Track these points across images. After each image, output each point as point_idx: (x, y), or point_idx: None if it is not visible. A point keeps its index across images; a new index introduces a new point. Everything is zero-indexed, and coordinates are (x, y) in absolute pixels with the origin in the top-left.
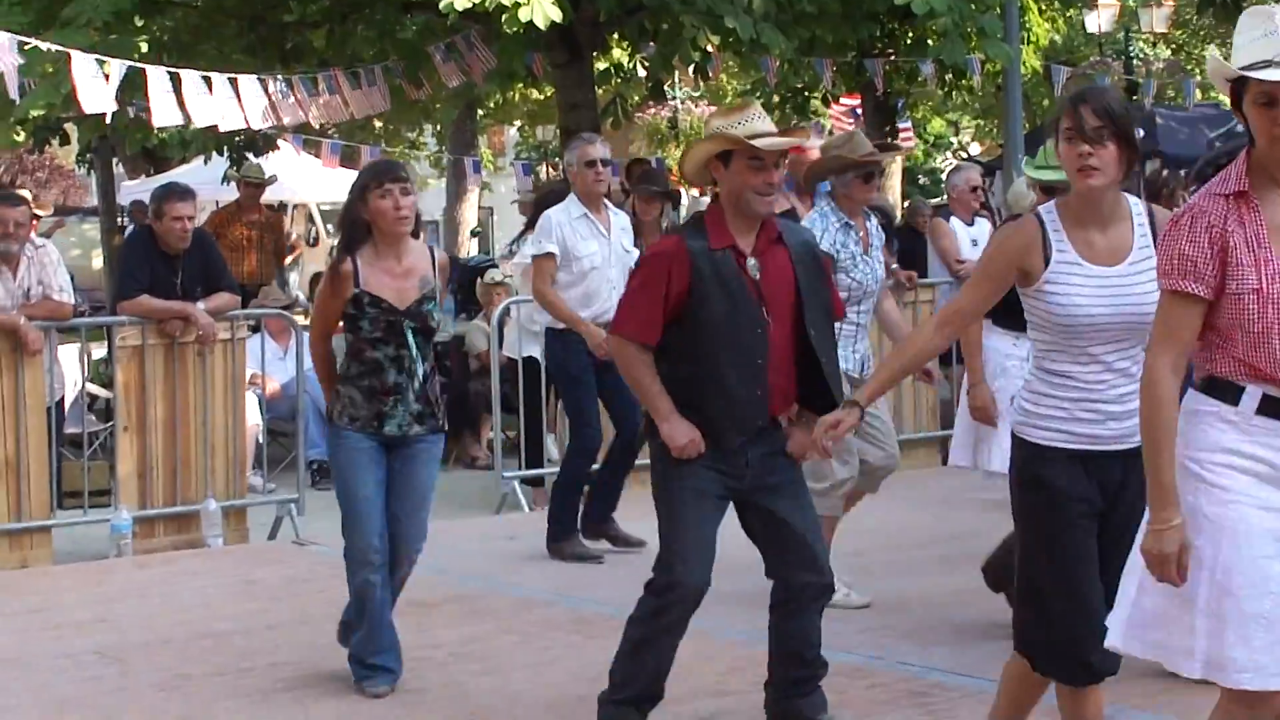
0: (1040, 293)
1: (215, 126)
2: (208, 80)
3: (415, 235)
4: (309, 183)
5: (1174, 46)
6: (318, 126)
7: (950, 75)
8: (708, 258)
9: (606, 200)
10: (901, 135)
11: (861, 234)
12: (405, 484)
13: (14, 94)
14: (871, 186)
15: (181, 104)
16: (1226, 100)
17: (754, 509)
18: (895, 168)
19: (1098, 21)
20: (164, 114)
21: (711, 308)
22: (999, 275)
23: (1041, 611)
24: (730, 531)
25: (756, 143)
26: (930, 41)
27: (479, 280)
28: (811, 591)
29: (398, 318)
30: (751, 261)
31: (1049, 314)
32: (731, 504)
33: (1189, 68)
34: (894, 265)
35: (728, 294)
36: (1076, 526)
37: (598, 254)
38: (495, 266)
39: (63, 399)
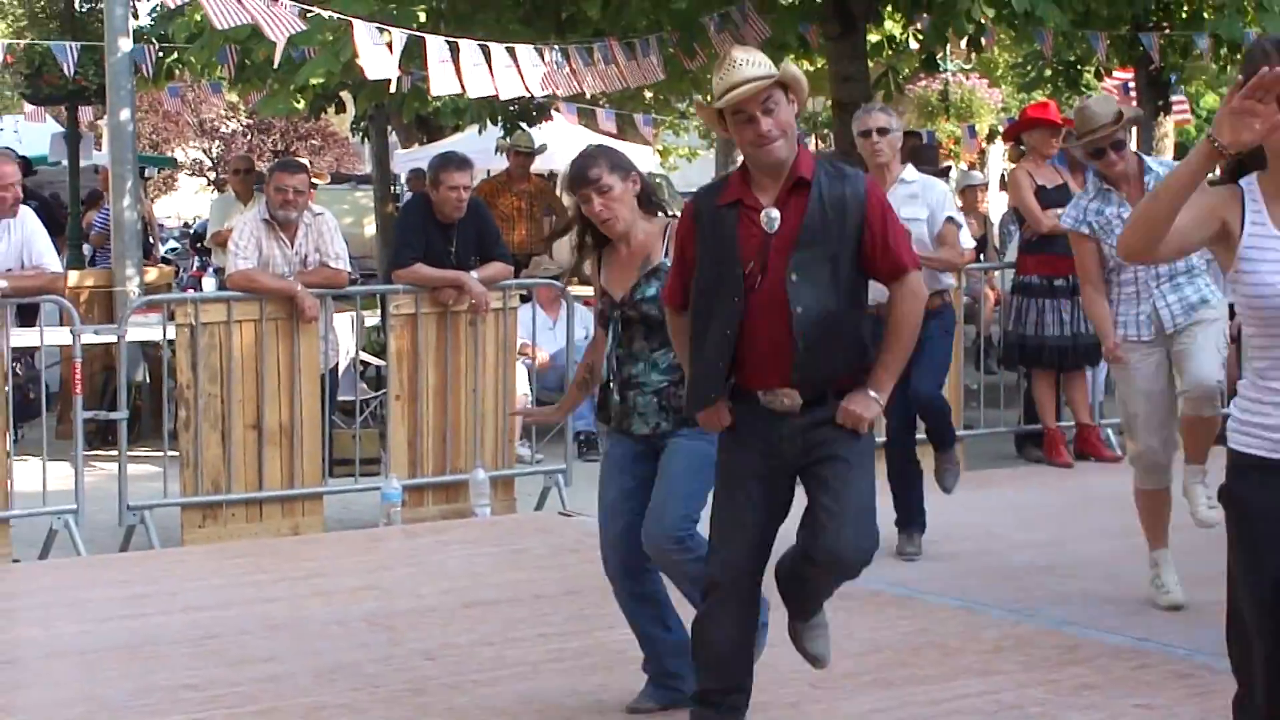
0: (1238, 273)
1: (490, 96)
2: (485, 50)
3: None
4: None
5: None
6: (590, 96)
7: (1225, 50)
8: (711, 216)
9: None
10: (1176, 109)
11: (1128, 194)
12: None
13: (277, 61)
14: (1105, 162)
15: (459, 73)
16: None
17: (806, 481)
18: (1168, 142)
19: None
20: (441, 83)
21: (702, 270)
22: (1196, 203)
23: (1245, 650)
24: None
25: (719, 102)
26: (1206, 15)
27: None
28: (830, 564)
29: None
30: (767, 214)
31: (1244, 298)
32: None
33: None
34: None
35: (715, 256)
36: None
37: None
38: None
39: (336, 366)
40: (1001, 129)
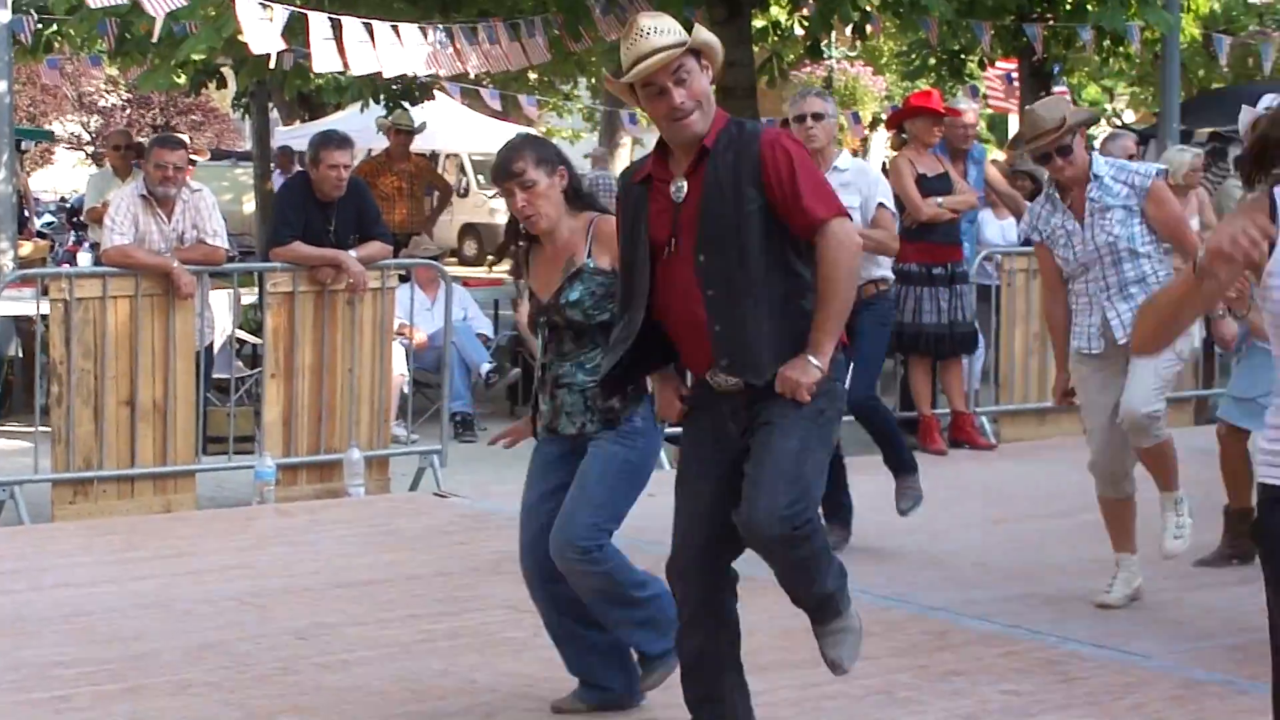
0: (1266, 288)
1: (373, 74)
2: (368, 27)
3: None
4: (461, 133)
5: None
6: (474, 77)
7: (1108, 41)
8: (628, 195)
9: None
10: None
11: (1071, 203)
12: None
13: (156, 35)
14: (1052, 167)
15: (341, 50)
16: None
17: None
18: None
19: None
20: (324, 60)
21: (622, 250)
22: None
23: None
24: None
25: (628, 75)
26: (1090, 7)
27: None
28: (752, 539)
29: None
30: (675, 186)
31: (1271, 314)
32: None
33: None
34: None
35: (629, 234)
36: None
37: None
38: None
39: (211, 344)
40: (885, 117)
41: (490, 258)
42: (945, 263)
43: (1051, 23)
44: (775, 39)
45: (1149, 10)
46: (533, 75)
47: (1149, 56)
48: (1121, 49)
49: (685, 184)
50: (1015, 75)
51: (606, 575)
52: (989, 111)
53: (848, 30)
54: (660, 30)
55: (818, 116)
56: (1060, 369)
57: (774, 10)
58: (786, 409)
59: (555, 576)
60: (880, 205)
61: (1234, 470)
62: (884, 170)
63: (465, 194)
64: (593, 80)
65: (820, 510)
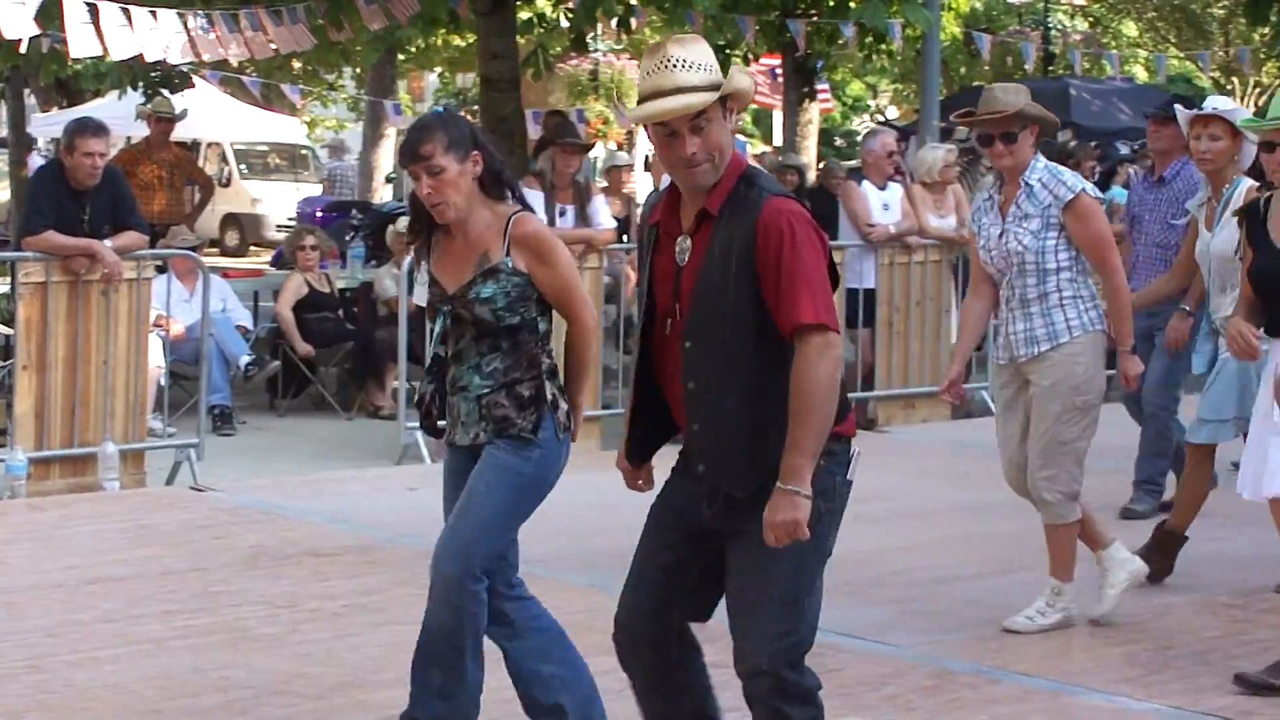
0: None
1: (132, 60)
2: (126, 12)
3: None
4: (224, 122)
5: (1091, 20)
6: (236, 64)
7: (870, 38)
8: (644, 231)
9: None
10: (820, 97)
11: (1001, 204)
12: None
13: None
14: (992, 151)
15: (100, 35)
16: (1141, 75)
17: (725, 552)
18: (813, 128)
19: None
20: (81, 45)
21: (641, 290)
22: None
23: None
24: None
25: (639, 112)
26: (852, 4)
27: (391, 227)
28: (743, 668)
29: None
30: (680, 244)
31: None
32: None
33: (1105, 41)
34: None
35: (642, 281)
36: None
37: None
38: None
39: None
40: None
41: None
42: None
43: (815, 19)
44: (541, 31)
45: (910, 8)
46: (297, 64)
47: (911, 54)
48: (884, 46)
49: (689, 245)
50: (779, 71)
51: (460, 614)
52: (754, 107)
53: (613, 23)
54: (690, 65)
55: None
56: (954, 363)
57: (539, 2)
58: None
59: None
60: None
61: (1195, 495)
62: (646, 165)
63: (227, 184)
64: (357, 70)
65: (807, 638)
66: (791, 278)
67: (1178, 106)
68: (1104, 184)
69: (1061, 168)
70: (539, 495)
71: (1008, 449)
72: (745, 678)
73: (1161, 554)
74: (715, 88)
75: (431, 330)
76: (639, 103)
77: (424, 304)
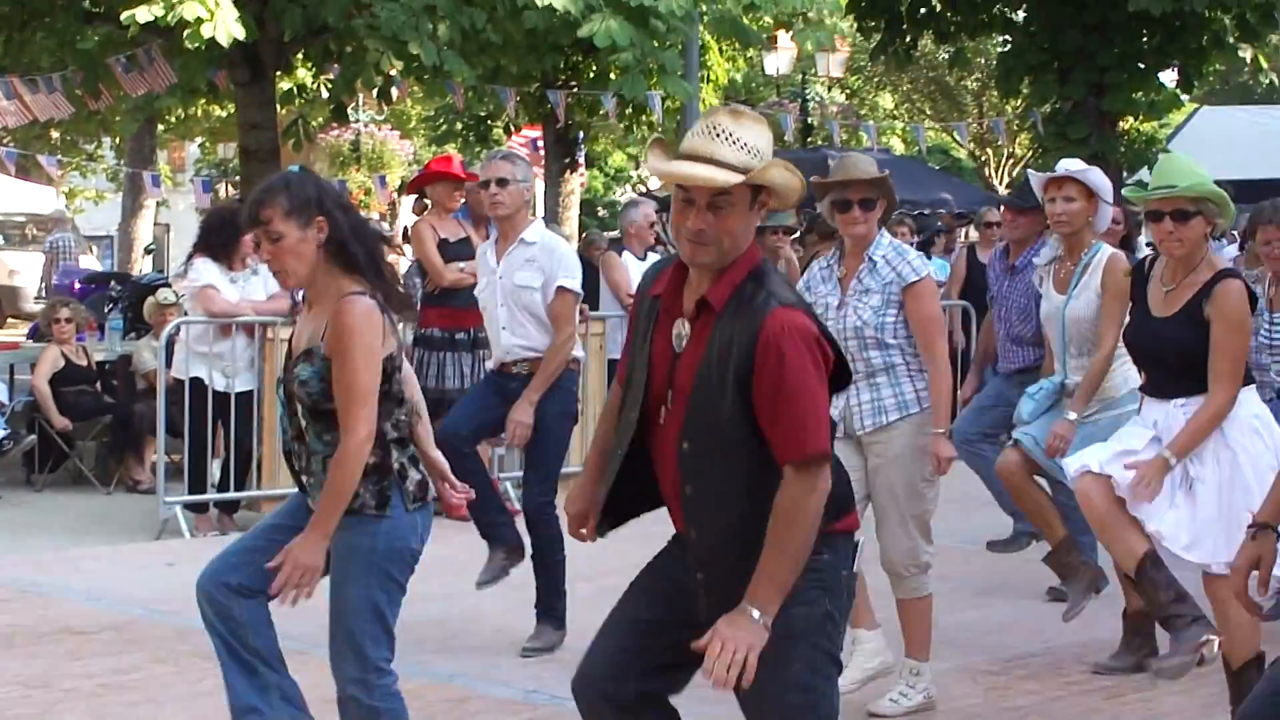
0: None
1: None
2: None
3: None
4: None
5: (848, 91)
6: None
7: (631, 110)
8: (643, 300)
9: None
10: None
11: (842, 276)
12: None
13: None
14: (847, 217)
15: None
16: (899, 147)
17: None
18: (574, 199)
19: (776, 64)
20: None
21: (627, 354)
22: None
23: None
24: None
25: (663, 169)
26: (612, 75)
27: (150, 298)
28: None
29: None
30: (678, 328)
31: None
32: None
33: (862, 112)
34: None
35: (634, 352)
36: None
37: (486, 289)
38: (168, 285)
39: None
40: None
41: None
42: (468, 328)
43: (575, 90)
44: (301, 101)
45: (669, 80)
46: (55, 133)
47: (672, 125)
48: (644, 117)
49: (688, 333)
50: (540, 143)
51: (381, 715)
52: None
53: (373, 94)
54: (734, 140)
55: (503, 182)
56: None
57: (299, 72)
58: (780, 622)
59: (222, 602)
60: (561, 288)
61: (1034, 500)
62: (405, 236)
63: None
64: (117, 140)
65: None
66: (790, 406)
67: (1030, 171)
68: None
69: (906, 247)
70: (401, 566)
71: None
72: None
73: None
74: (768, 181)
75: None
76: (675, 158)
77: (181, 376)
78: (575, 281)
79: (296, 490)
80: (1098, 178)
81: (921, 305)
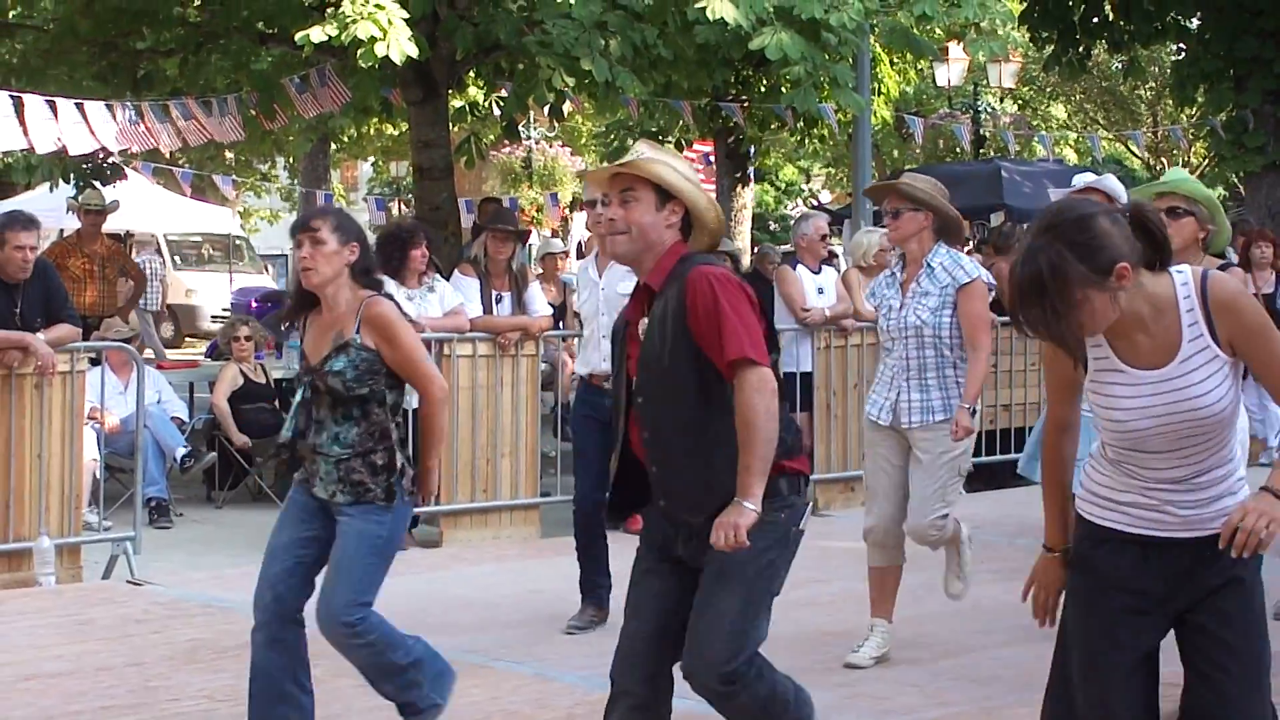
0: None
1: (62, 152)
2: (52, 105)
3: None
4: (156, 213)
5: (1020, 102)
6: (168, 155)
7: (803, 123)
8: (619, 330)
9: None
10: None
11: (904, 280)
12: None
13: None
14: (889, 224)
15: (24, 127)
16: (1072, 157)
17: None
18: (747, 213)
19: (948, 75)
20: (6, 138)
21: (615, 378)
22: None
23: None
24: None
25: (590, 174)
26: (784, 88)
27: None
28: (694, 688)
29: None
30: (642, 324)
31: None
32: None
33: (1034, 123)
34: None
35: (618, 367)
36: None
37: (588, 301)
38: None
39: None
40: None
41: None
42: None
43: (747, 104)
44: (473, 119)
45: (842, 93)
46: (230, 154)
47: (843, 138)
48: (816, 130)
49: (646, 323)
50: (713, 156)
51: (371, 646)
52: None
53: (545, 111)
54: (646, 157)
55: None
56: None
57: (471, 90)
58: (732, 554)
59: (285, 620)
60: None
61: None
62: (579, 252)
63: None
64: (290, 159)
65: (754, 658)
66: (720, 323)
67: (1050, 187)
68: None
69: (962, 255)
70: (394, 553)
71: (882, 505)
72: (698, 690)
73: None
74: (653, 176)
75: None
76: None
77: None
78: None
79: (293, 496)
80: (1114, 186)
81: (972, 304)
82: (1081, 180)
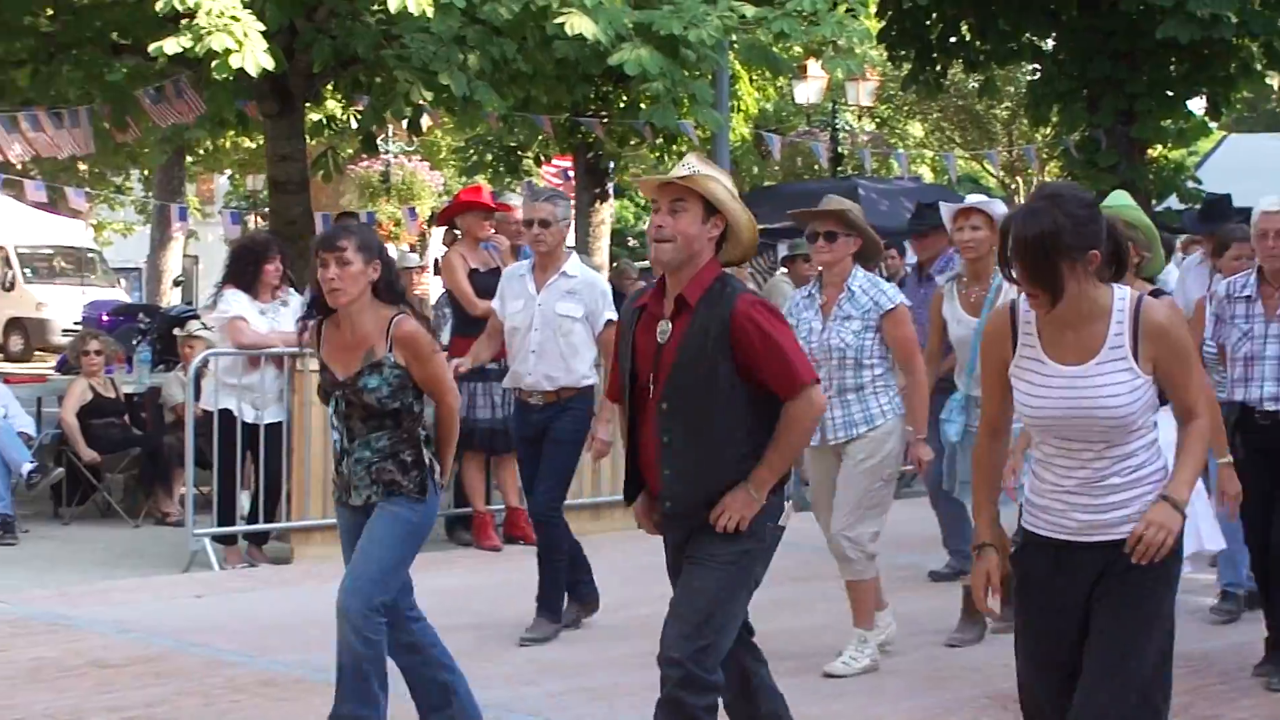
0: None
1: None
2: None
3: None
4: (7, 225)
5: (878, 120)
6: (19, 166)
7: (662, 139)
8: (626, 316)
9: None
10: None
11: (823, 304)
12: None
13: None
14: (813, 247)
15: None
16: (929, 175)
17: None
18: (605, 229)
19: (806, 93)
20: None
21: (619, 364)
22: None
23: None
24: None
25: (645, 178)
26: (643, 105)
27: (178, 330)
28: (664, 673)
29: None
30: (661, 325)
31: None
32: None
33: (892, 141)
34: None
35: (623, 358)
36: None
37: (522, 313)
38: (197, 317)
39: None
40: None
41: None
42: (499, 359)
43: (606, 120)
44: (331, 133)
45: (700, 109)
46: (83, 166)
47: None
48: (675, 146)
49: (669, 329)
50: (572, 171)
51: (370, 644)
52: None
53: (403, 125)
54: (696, 170)
55: (545, 223)
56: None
57: (329, 104)
58: (714, 547)
59: (396, 626)
60: (610, 321)
61: None
62: (435, 269)
63: (10, 288)
64: (145, 172)
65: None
66: (778, 353)
67: (941, 203)
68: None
69: (879, 278)
70: (423, 538)
71: (822, 523)
72: (662, 664)
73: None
74: (705, 191)
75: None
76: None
77: (210, 408)
78: (616, 314)
79: (339, 517)
80: (1000, 208)
81: (899, 329)
82: (971, 200)
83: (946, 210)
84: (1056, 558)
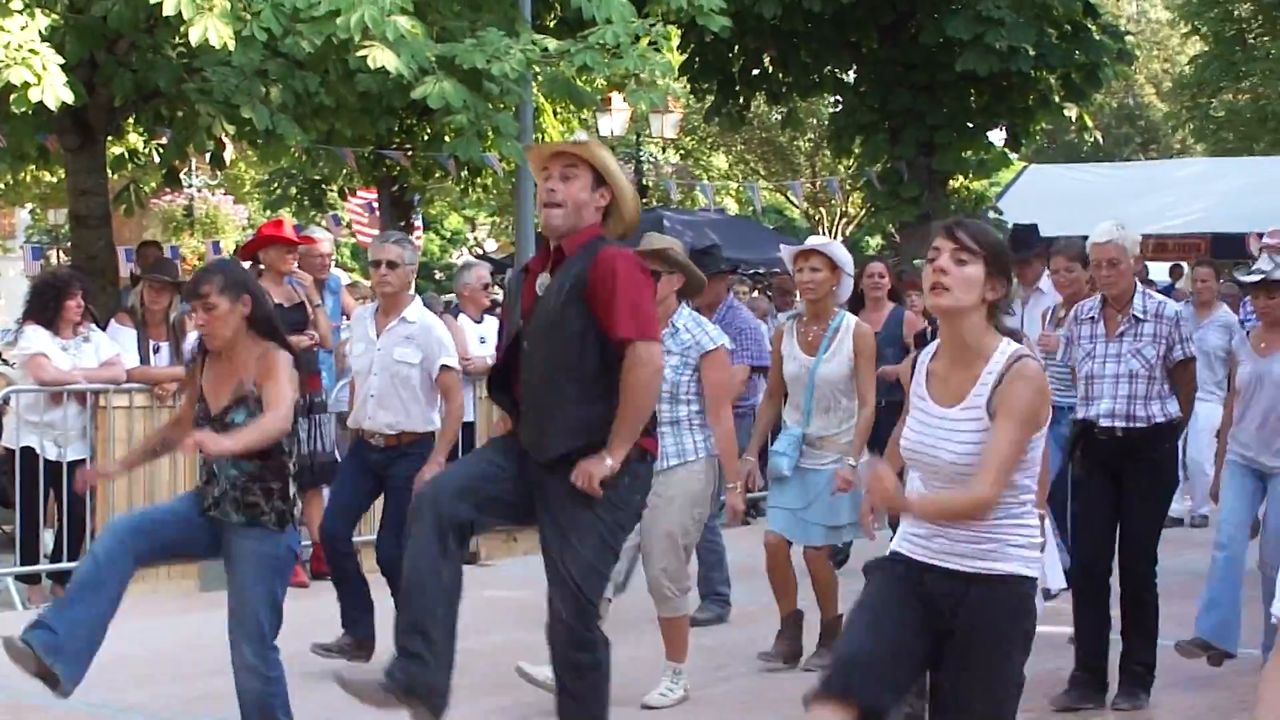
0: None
1: None
2: None
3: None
4: None
5: (682, 152)
6: None
7: (466, 172)
8: (515, 280)
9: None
10: (416, 231)
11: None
12: None
13: None
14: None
15: None
16: (734, 207)
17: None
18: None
19: (610, 125)
20: None
21: (503, 324)
22: None
23: None
24: None
25: (532, 151)
26: (447, 138)
27: None
28: (551, 633)
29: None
30: (541, 278)
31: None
32: None
33: (696, 173)
34: None
35: (512, 322)
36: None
37: (363, 357)
38: None
39: None
40: None
41: None
42: (304, 393)
43: (410, 152)
44: (133, 166)
45: (504, 142)
46: None
47: (508, 187)
48: (480, 179)
49: (549, 279)
50: (376, 205)
51: (270, 683)
52: (352, 241)
53: (206, 158)
54: (590, 141)
55: (392, 265)
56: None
57: (131, 137)
58: (580, 511)
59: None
60: (445, 366)
61: (783, 579)
62: None
63: None
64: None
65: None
66: (616, 299)
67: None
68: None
69: (704, 319)
70: (290, 566)
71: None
72: (554, 632)
73: (791, 636)
74: (596, 160)
75: None
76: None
77: (11, 446)
78: (455, 359)
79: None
80: (840, 251)
81: (714, 371)
82: (811, 241)
83: (787, 252)
84: (920, 575)
